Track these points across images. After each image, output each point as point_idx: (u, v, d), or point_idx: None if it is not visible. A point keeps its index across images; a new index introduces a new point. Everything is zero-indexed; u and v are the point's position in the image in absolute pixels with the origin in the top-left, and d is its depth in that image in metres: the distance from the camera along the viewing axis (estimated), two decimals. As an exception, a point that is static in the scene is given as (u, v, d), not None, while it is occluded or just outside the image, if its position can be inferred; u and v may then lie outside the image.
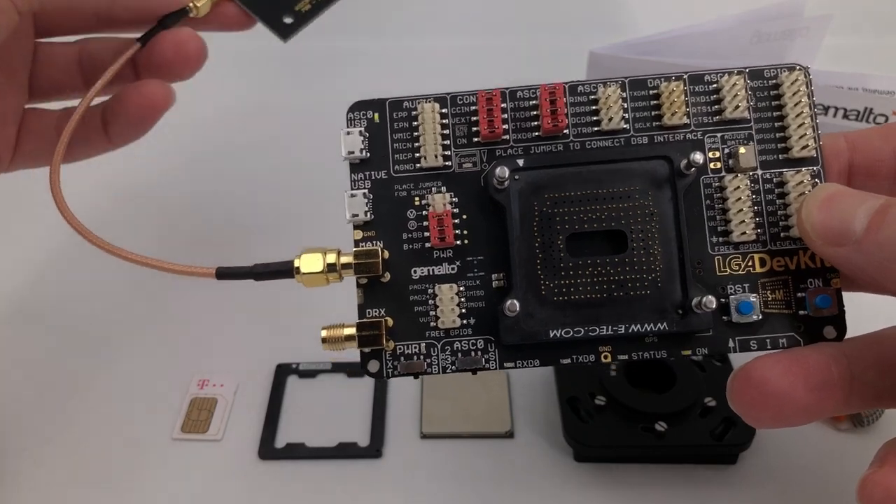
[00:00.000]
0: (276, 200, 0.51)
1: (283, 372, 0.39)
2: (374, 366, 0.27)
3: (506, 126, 0.28)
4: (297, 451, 0.36)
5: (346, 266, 0.26)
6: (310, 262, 0.26)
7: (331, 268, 0.26)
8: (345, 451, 0.36)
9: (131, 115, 0.32)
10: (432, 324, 0.27)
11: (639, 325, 0.25)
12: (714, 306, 0.25)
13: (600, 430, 0.35)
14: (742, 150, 0.27)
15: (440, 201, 0.27)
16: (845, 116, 0.41)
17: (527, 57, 0.64)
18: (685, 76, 0.28)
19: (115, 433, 0.38)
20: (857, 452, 0.34)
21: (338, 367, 0.40)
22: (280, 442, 0.37)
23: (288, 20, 0.32)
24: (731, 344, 0.26)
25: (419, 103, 0.28)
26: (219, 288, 0.44)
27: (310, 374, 0.39)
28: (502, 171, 0.26)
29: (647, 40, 0.45)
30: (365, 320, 0.26)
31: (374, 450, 0.36)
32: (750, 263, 0.27)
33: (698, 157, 0.25)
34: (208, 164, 0.55)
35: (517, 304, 0.25)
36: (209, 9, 0.32)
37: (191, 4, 0.32)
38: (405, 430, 0.37)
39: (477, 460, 0.36)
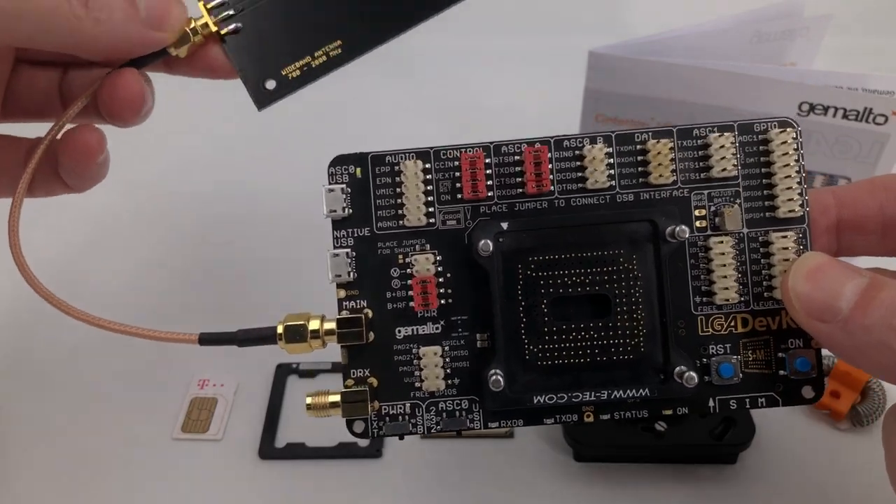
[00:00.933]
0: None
1: (283, 372, 0.40)
2: (359, 426, 0.27)
3: (490, 182, 0.27)
4: (297, 451, 0.36)
5: (329, 332, 0.26)
6: (292, 331, 0.26)
7: (314, 335, 0.26)
8: (345, 451, 0.36)
9: (67, 161, 0.30)
10: (417, 384, 0.27)
11: (621, 391, 0.26)
12: (696, 382, 0.25)
13: (600, 430, 0.34)
14: (728, 211, 0.27)
15: (424, 265, 0.26)
16: (845, 116, 0.40)
17: (527, 57, 0.63)
18: (674, 130, 0.27)
19: (116, 433, 0.38)
20: (857, 452, 0.35)
21: (338, 367, 0.39)
22: (280, 442, 0.37)
23: (270, 85, 0.29)
24: (710, 404, 0.27)
25: (402, 159, 0.27)
26: (219, 289, 0.44)
27: (310, 374, 0.39)
28: (486, 245, 0.25)
29: (647, 40, 0.44)
30: (348, 390, 0.26)
31: (374, 450, 0.36)
32: (732, 324, 0.27)
33: (684, 232, 0.25)
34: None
35: (501, 382, 0.25)
36: (186, 53, 0.29)
37: (171, 48, 0.28)
38: None
39: (477, 460, 0.36)
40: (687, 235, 0.25)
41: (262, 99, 0.29)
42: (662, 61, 0.43)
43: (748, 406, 0.27)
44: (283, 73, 0.29)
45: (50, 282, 0.27)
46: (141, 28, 0.27)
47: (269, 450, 0.36)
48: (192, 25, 0.28)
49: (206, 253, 0.50)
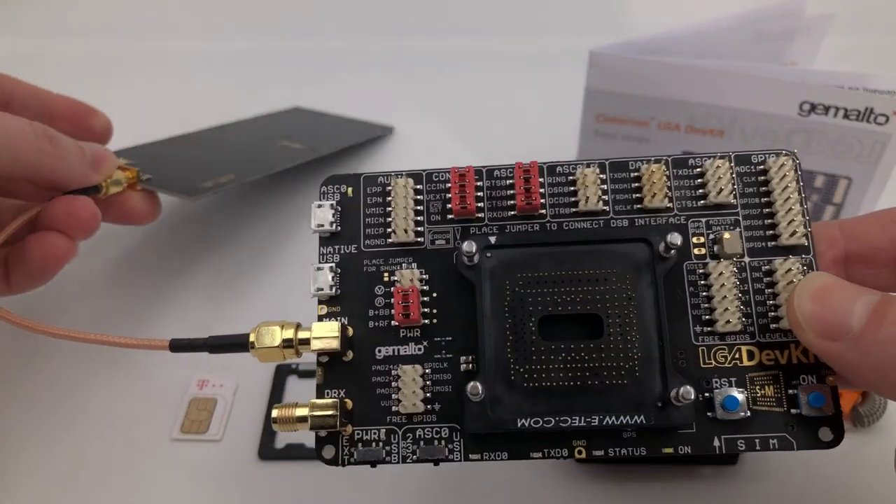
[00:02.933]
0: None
1: (282, 372, 0.39)
2: (329, 451, 0.25)
3: (480, 204, 0.27)
4: (297, 452, 0.35)
5: (303, 342, 0.25)
6: (265, 337, 0.25)
7: (287, 343, 0.25)
8: None
9: (32, 266, 0.33)
10: (394, 408, 0.25)
11: (614, 418, 0.23)
12: (692, 397, 0.23)
13: None
14: (727, 235, 0.25)
15: (408, 276, 0.26)
16: (846, 116, 0.40)
17: (527, 57, 0.63)
18: (668, 160, 0.27)
19: (115, 433, 0.37)
20: (858, 452, 0.34)
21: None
22: (280, 442, 0.36)
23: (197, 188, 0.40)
24: (716, 443, 0.24)
25: (393, 179, 0.27)
26: (219, 288, 0.43)
27: (310, 374, 0.39)
28: (469, 246, 0.24)
29: (647, 40, 0.44)
30: (318, 401, 0.24)
31: None
32: (737, 356, 0.25)
33: (676, 238, 0.24)
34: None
35: (479, 387, 0.23)
36: (112, 191, 0.36)
37: (103, 183, 0.36)
38: None
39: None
40: (679, 243, 0.24)
41: (192, 193, 0.39)
42: (662, 61, 0.43)
43: (758, 448, 0.24)
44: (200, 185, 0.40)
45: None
46: (85, 168, 0.34)
47: (268, 450, 0.35)
48: (116, 176, 0.37)
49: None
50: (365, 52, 0.63)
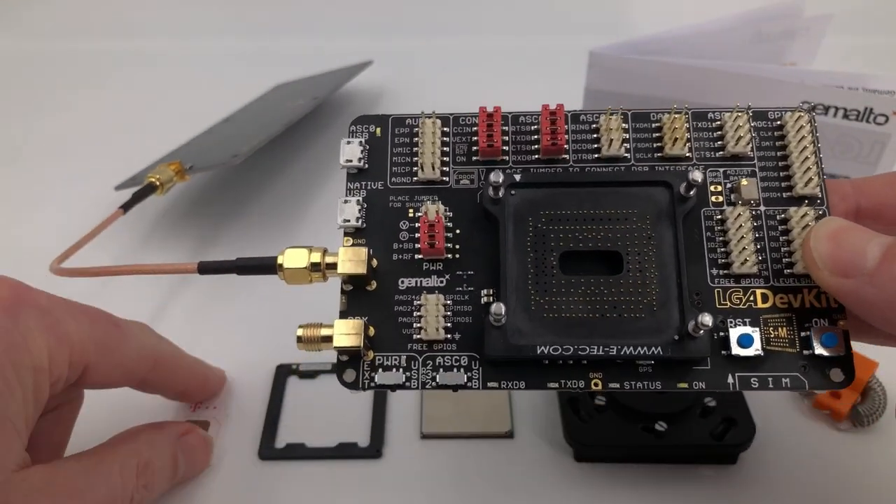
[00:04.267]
0: (271, 203, 0.51)
1: (283, 372, 0.39)
2: (350, 375, 0.25)
3: (506, 147, 0.28)
4: (297, 452, 0.35)
5: (330, 266, 0.25)
6: (293, 258, 0.25)
7: (315, 267, 0.25)
8: (345, 452, 0.35)
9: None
10: (416, 336, 0.25)
11: (631, 348, 0.24)
12: (710, 323, 0.23)
13: (600, 430, 0.33)
14: (744, 181, 0.26)
15: (433, 210, 0.26)
16: (845, 116, 0.40)
17: (527, 57, 0.64)
18: (689, 112, 0.28)
19: (115, 430, 0.36)
20: (857, 452, 0.34)
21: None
22: (280, 442, 0.35)
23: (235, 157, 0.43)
24: (730, 380, 0.25)
25: (421, 120, 0.28)
26: (219, 289, 0.44)
27: (310, 374, 0.38)
28: (496, 176, 0.25)
29: (647, 40, 0.45)
30: (344, 321, 0.25)
31: (374, 450, 0.35)
32: (752, 298, 0.25)
33: (698, 175, 0.25)
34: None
35: (502, 308, 0.23)
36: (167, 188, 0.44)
37: (159, 184, 0.43)
38: (405, 430, 0.36)
39: (477, 460, 0.34)
40: (700, 180, 0.25)
41: (232, 161, 0.43)
42: (662, 61, 0.43)
43: (771, 386, 0.24)
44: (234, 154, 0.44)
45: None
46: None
47: (268, 450, 0.35)
48: (167, 175, 0.44)
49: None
50: (369, 52, 0.63)
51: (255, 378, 0.39)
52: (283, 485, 0.34)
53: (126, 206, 0.43)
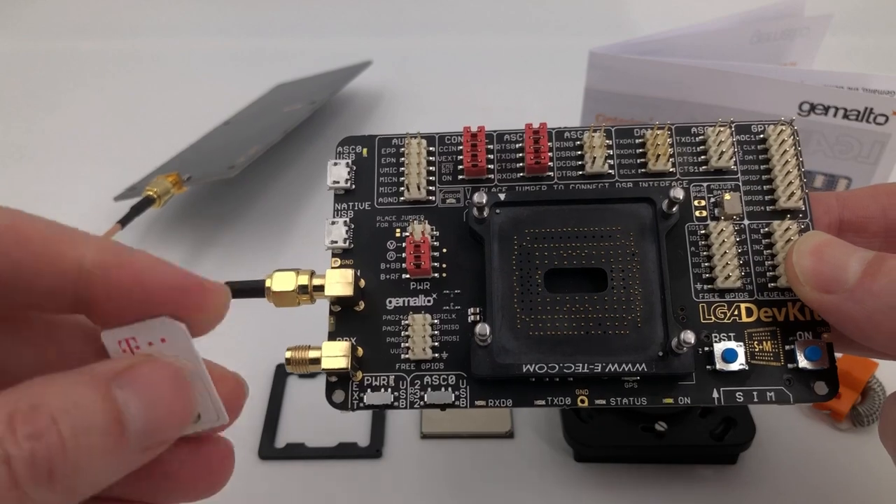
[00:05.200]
0: (267, 211, 0.52)
1: (283, 372, 0.39)
2: (339, 396, 0.26)
3: (491, 166, 0.28)
4: (297, 451, 0.35)
5: (317, 288, 0.26)
6: (281, 282, 0.25)
7: (302, 289, 0.25)
8: (345, 451, 0.35)
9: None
10: (403, 356, 0.26)
11: (616, 365, 0.24)
12: (693, 341, 0.23)
13: (600, 430, 0.34)
14: (727, 196, 0.26)
15: (419, 230, 0.26)
16: (845, 116, 0.40)
17: (527, 57, 0.64)
18: (672, 127, 0.28)
19: None
20: (857, 452, 0.34)
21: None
22: (280, 442, 0.36)
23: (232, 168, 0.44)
24: (715, 395, 0.25)
25: (407, 140, 0.28)
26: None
27: (309, 374, 0.39)
28: (480, 197, 0.25)
29: (647, 40, 0.45)
30: (331, 343, 0.25)
31: (374, 450, 0.35)
32: (736, 312, 0.26)
33: (679, 192, 0.25)
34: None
35: (487, 329, 0.24)
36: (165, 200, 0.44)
37: (157, 196, 0.44)
38: (405, 430, 0.36)
39: (477, 460, 0.35)
40: (681, 197, 0.25)
41: (230, 172, 0.44)
42: (662, 61, 0.43)
43: (756, 399, 0.25)
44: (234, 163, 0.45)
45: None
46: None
47: (268, 450, 0.36)
48: (164, 186, 0.45)
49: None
50: (366, 50, 0.64)
51: (255, 378, 0.39)
52: (282, 484, 0.34)
53: (124, 221, 0.43)
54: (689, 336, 0.23)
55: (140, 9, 0.76)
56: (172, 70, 0.67)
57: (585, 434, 0.34)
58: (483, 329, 0.24)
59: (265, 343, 0.40)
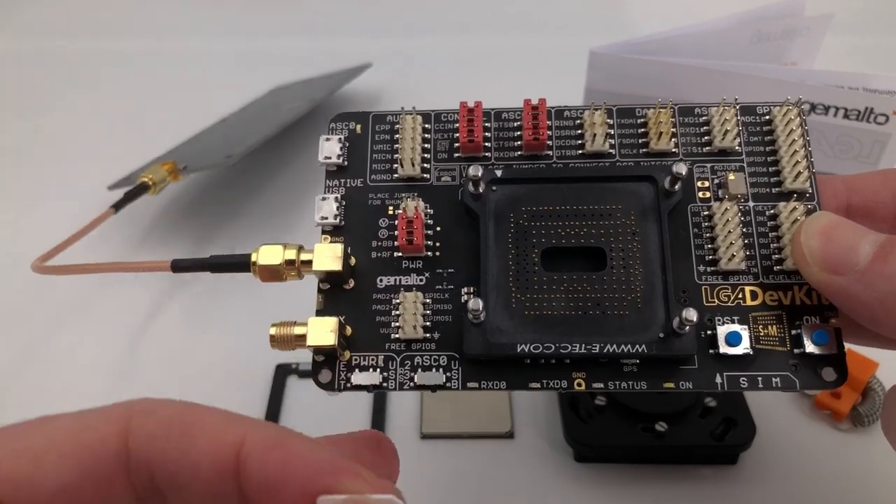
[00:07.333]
0: (265, 205, 0.51)
1: (283, 372, 0.38)
2: (325, 376, 0.25)
3: (488, 143, 0.27)
4: None
5: (305, 263, 0.25)
6: (268, 255, 0.24)
7: (290, 263, 0.25)
8: None
9: None
10: (393, 335, 0.25)
11: (615, 346, 0.23)
12: (695, 318, 0.22)
13: (600, 430, 0.33)
14: (732, 176, 0.26)
15: (412, 206, 0.26)
16: (845, 116, 0.40)
17: (527, 57, 0.64)
18: (675, 107, 0.27)
19: None
20: (857, 452, 0.34)
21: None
22: None
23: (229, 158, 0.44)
24: (718, 380, 0.24)
25: (402, 116, 0.27)
26: (218, 288, 0.43)
27: (310, 374, 0.38)
28: (476, 170, 0.24)
29: (647, 40, 0.45)
30: (318, 318, 0.24)
31: None
32: (740, 296, 0.25)
33: (682, 167, 0.24)
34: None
35: (480, 304, 0.23)
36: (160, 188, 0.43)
37: (152, 183, 0.43)
38: (405, 430, 0.36)
39: (477, 460, 0.34)
40: (684, 172, 0.24)
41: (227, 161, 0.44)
42: (662, 61, 0.43)
43: (761, 385, 0.23)
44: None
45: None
46: None
47: None
48: (160, 175, 0.44)
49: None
50: (365, 52, 0.63)
51: (255, 378, 0.38)
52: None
53: (118, 206, 0.42)
54: (692, 314, 0.22)
55: (139, 9, 0.76)
56: (171, 71, 0.67)
57: (585, 434, 0.33)
58: (476, 304, 0.23)
59: (265, 343, 0.39)
